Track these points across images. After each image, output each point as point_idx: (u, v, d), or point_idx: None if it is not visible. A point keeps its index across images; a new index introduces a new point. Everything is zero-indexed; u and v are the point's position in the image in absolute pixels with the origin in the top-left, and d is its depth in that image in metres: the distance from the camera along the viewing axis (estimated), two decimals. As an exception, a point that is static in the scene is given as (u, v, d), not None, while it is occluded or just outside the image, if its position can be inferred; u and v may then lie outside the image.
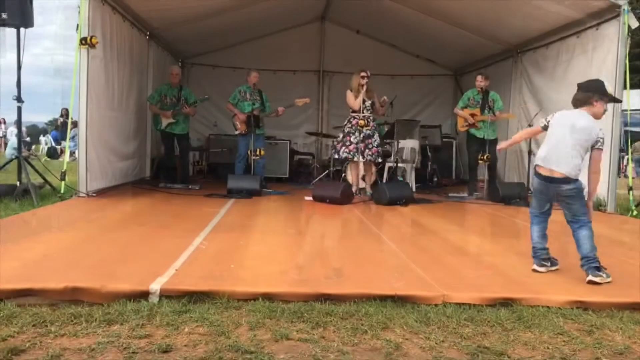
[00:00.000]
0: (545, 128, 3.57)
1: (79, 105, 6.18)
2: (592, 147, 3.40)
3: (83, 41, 6.04)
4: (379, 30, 11.18)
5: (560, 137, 3.41)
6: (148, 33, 8.65)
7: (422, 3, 8.86)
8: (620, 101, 3.58)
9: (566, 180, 3.35)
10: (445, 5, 8.73)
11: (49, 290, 2.74)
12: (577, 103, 3.49)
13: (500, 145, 3.97)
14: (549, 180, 3.40)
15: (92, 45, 6.09)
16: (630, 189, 6.92)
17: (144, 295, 2.77)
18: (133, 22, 7.78)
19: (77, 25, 6.09)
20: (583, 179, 3.45)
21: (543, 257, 3.52)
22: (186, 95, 8.19)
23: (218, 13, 8.83)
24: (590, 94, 3.44)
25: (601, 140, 3.41)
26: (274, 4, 9.10)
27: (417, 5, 8.95)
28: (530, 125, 8.03)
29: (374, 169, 7.90)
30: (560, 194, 3.39)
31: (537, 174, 3.48)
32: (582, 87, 3.52)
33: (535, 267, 3.51)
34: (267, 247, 3.97)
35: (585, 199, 3.43)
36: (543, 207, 3.56)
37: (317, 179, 9.02)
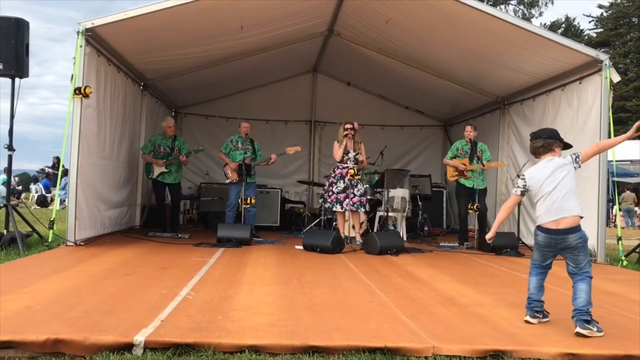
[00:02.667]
0: (523, 193, 3.60)
1: (70, 153, 6.20)
2: (577, 164, 3.46)
3: (77, 91, 6.12)
4: (369, 82, 11.46)
5: (552, 187, 3.41)
6: (142, 84, 8.79)
7: (411, 56, 9.12)
8: (571, 146, 3.71)
9: (574, 229, 3.32)
10: (433, 58, 9.00)
11: (29, 342, 2.66)
12: (541, 150, 3.56)
13: (489, 235, 3.87)
14: (556, 233, 3.35)
15: (86, 95, 6.17)
16: (619, 239, 6.95)
17: (128, 347, 2.71)
18: (128, 73, 7.92)
19: (72, 75, 6.19)
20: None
21: (537, 309, 3.47)
22: (180, 145, 8.26)
23: (212, 65, 9.04)
24: (551, 140, 3.55)
25: (573, 156, 3.49)
26: (267, 56, 9.33)
27: (406, 58, 9.21)
28: (518, 176, 8.12)
29: (363, 217, 7.91)
30: (568, 246, 3.33)
31: (543, 229, 3.42)
32: (541, 135, 3.60)
33: (528, 318, 3.46)
34: (256, 298, 3.91)
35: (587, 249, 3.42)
36: (546, 261, 3.51)
37: (307, 228, 9.00)
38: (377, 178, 9.15)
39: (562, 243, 3.35)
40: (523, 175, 3.61)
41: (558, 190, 3.40)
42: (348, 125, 7.68)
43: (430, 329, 3.20)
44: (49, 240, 6.19)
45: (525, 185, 3.56)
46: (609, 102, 6.82)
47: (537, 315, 3.47)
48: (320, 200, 8.02)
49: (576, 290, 3.33)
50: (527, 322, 3.45)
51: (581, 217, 3.37)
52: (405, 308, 3.75)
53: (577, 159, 3.48)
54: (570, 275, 3.41)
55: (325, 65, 11.36)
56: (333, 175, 7.73)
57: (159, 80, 9.06)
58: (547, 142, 3.55)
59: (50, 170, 17.29)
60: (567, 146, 3.66)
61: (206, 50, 8.30)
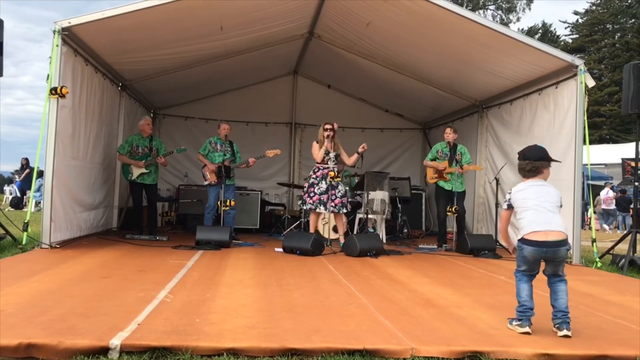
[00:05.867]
0: (510, 207, 3.56)
1: (46, 154, 6.09)
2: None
3: (53, 91, 6.02)
4: (349, 85, 11.50)
5: (538, 202, 3.38)
6: (120, 84, 8.68)
7: (390, 60, 9.18)
8: (559, 161, 3.64)
9: (564, 242, 3.31)
10: (413, 62, 9.06)
11: (0, 347, 2.60)
12: (529, 174, 3.50)
13: (511, 249, 3.69)
14: (546, 246, 3.29)
15: (62, 95, 6.07)
16: (594, 240, 7.07)
17: (104, 351, 2.66)
18: (105, 74, 7.81)
19: (48, 75, 6.08)
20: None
21: (531, 317, 3.35)
22: (157, 145, 8.17)
23: (191, 66, 8.97)
24: (539, 163, 3.50)
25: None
26: (247, 58, 9.30)
27: (386, 62, 9.26)
28: (497, 179, 8.24)
29: (344, 219, 7.90)
30: (557, 258, 3.31)
31: (531, 242, 3.32)
32: (530, 157, 3.54)
33: (527, 329, 3.28)
34: (234, 300, 3.89)
35: None
36: (534, 271, 3.42)
37: (287, 230, 8.97)
38: (356, 180, 9.18)
39: (552, 255, 3.30)
40: (510, 190, 3.58)
41: (545, 204, 3.37)
42: (328, 126, 7.66)
43: (408, 330, 3.21)
44: (23, 242, 6.07)
45: (512, 198, 3.52)
46: (584, 106, 6.94)
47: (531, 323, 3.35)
48: (299, 202, 7.94)
49: (557, 291, 3.33)
50: (526, 333, 3.26)
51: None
52: (384, 310, 3.76)
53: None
54: (548, 276, 3.41)
55: (305, 67, 11.37)
56: (314, 176, 7.66)
57: (137, 80, 8.96)
58: (534, 165, 3.49)
59: (22, 172, 16.93)
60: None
61: (185, 51, 8.23)
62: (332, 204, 7.51)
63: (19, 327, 2.91)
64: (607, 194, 17.42)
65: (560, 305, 3.30)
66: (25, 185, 16.45)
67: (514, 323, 3.36)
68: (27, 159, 16.92)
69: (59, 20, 6.16)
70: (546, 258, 3.33)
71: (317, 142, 7.73)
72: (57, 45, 6.09)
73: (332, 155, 7.65)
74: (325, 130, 7.62)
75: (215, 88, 11.06)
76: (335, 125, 7.71)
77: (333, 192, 7.52)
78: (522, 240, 3.37)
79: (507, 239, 3.82)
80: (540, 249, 3.29)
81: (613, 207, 16.41)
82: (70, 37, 6.32)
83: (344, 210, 7.71)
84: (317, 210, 7.57)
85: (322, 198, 7.48)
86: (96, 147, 7.70)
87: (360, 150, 7.69)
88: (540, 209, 3.37)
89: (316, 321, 3.37)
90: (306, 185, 7.74)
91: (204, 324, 3.17)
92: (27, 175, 16.45)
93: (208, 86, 10.78)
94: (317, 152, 7.65)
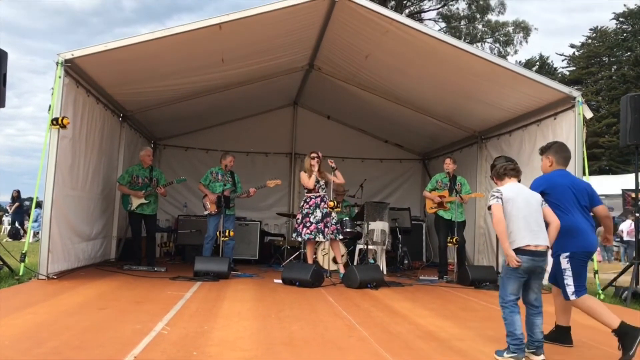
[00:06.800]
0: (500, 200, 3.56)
1: (45, 185, 6.08)
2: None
3: (54, 122, 6.06)
4: (348, 116, 11.58)
5: (527, 209, 3.48)
6: (121, 115, 8.74)
7: (390, 91, 9.26)
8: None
9: (547, 251, 3.48)
10: (412, 93, 9.15)
11: (-6, 381, 2.55)
12: (513, 172, 3.68)
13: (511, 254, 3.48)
14: (538, 255, 3.42)
15: (63, 126, 6.10)
16: (596, 272, 7.01)
17: (98, 385, 2.61)
18: (107, 105, 7.87)
19: (50, 106, 6.13)
20: None
21: (524, 348, 3.41)
22: (157, 175, 8.18)
23: (192, 97, 9.05)
24: (520, 170, 3.76)
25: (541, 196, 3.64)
26: (248, 89, 9.39)
27: (385, 93, 9.35)
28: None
29: (343, 249, 7.83)
30: (543, 268, 3.46)
31: (526, 252, 3.40)
32: (512, 160, 3.77)
33: (544, 357, 3.39)
34: (232, 333, 3.83)
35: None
36: (520, 290, 3.49)
37: (287, 261, 8.91)
38: (356, 210, 9.15)
39: (540, 265, 3.44)
40: (498, 192, 3.56)
41: (535, 213, 3.50)
42: (314, 155, 7.71)
43: (409, 364, 3.15)
44: (20, 273, 6.02)
45: (502, 197, 3.52)
46: (582, 137, 6.97)
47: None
48: (294, 235, 7.84)
49: (536, 324, 3.47)
50: None
51: None
52: (384, 343, 3.70)
53: (544, 202, 3.61)
54: (530, 305, 3.50)
55: (305, 98, 11.47)
56: (307, 206, 7.63)
57: (138, 111, 9.02)
58: (517, 166, 3.72)
59: (12, 204, 16.87)
60: None
61: (187, 83, 8.31)
62: (329, 231, 7.49)
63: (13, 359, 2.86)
64: (630, 226, 17.22)
65: (539, 336, 3.43)
66: (15, 218, 16.40)
67: (507, 355, 3.38)
68: (18, 192, 16.85)
69: (62, 52, 6.24)
70: (535, 269, 3.44)
71: (305, 172, 7.76)
72: (59, 77, 6.15)
73: (322, 183, 7.67)
74: (312, 158, 7.67)
75: (215, 119, 11.14)
76: (320, 154, 7.75)
77: (327, 219, 7.51)
78: (518, 251, 3.43)
79: (506, 241, 3.49)
80: (534, 257, 3.42)
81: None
82: (73, 69, 6.39)
83: (340, 237, 7.68)
84: (317, 239, 7.52)
85: (319, 226, 7.45)
86: (95, 177, 7.70)
87: (333, 165, 7.55)
88: (531, 218, 3.47)
89: (316, 354, 3.31)
90: (299, 216, 7.69)
91: (201, 357, 3.12)
92: (17, 208, 16.41)
93: (208, 117, 10.85)
94: (308, 180, 7.65)
